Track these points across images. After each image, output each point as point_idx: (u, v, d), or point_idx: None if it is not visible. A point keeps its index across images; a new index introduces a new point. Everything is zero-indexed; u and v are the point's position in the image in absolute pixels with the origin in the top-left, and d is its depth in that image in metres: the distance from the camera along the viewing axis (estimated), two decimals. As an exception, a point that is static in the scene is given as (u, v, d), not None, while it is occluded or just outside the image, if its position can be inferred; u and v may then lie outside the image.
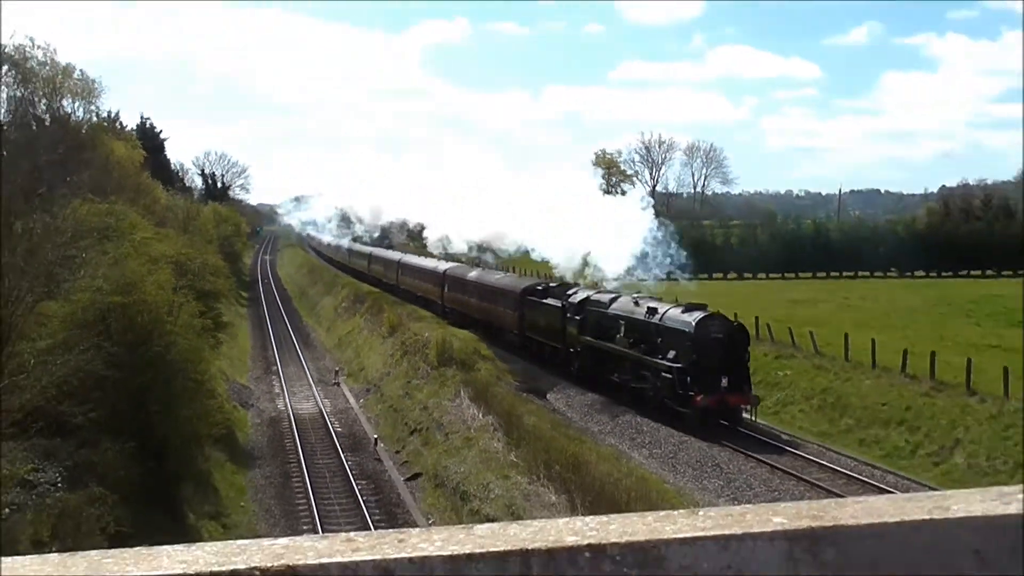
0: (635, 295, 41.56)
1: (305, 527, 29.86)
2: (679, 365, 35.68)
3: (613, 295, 42.78)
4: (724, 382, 34.98)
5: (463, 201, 58.36)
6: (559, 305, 45.68)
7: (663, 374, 36.44)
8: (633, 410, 38.26)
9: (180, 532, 26.53)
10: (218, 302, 54.37)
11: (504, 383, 40.93)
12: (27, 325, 21.92)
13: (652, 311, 38.39)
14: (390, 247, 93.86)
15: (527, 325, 49.55)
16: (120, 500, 23.20)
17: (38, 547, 19.79)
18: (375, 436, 39.85)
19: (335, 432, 40.93)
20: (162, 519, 26.58)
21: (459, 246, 65.15)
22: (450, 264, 66.56)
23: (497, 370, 44.66)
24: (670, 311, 37.87)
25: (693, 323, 35.92)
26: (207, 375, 35.81)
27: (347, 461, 36.12)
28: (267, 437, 41.49)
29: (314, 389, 50.47)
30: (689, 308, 37.54)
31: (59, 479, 22.93)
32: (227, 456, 36.10)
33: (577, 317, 43.49)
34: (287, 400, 47.75)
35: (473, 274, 61.14)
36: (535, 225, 50.73)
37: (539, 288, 49.84)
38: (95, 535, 21.29)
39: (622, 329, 39.86)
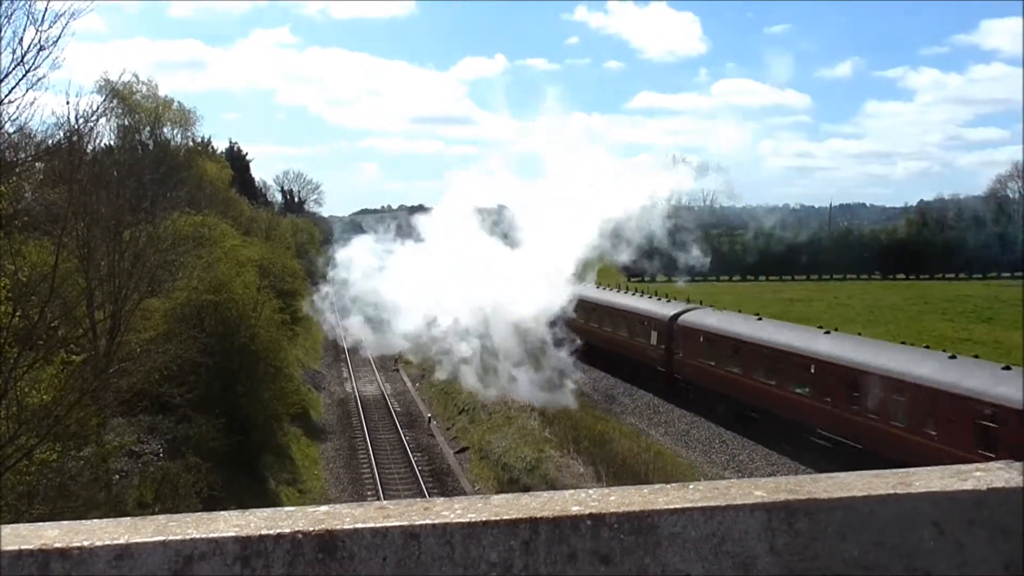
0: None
1: (369, 492, 29.99)
2: None
3: None
4: None
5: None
6: None
7: None
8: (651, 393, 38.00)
9: (262, 495, 26.80)
10: (295, 300, 54.65)
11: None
12: (134, 319, 22.15)
13: None
14: None
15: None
16: (212, 468, 23.47)
17: (142, 508, 20.03)
18: (429, 415, 39.93)
19: (395, 411, 41.07)
20: (248, 484, 26.84)
21: None
22: None
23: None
24: None
25: None
26: (285, 362, 36.04)
27: (405, 436, 36.24)
28: (337, 415, 41.74)
29: (377, 374, 50.67)
30: None
31: (160, 450, 23.24)
32: (303, 431, 36.37)
33: None
34: (354, 384, 48.01)
35: None
36: None
37: None
38: (191, 497, 21.52)
39: None
